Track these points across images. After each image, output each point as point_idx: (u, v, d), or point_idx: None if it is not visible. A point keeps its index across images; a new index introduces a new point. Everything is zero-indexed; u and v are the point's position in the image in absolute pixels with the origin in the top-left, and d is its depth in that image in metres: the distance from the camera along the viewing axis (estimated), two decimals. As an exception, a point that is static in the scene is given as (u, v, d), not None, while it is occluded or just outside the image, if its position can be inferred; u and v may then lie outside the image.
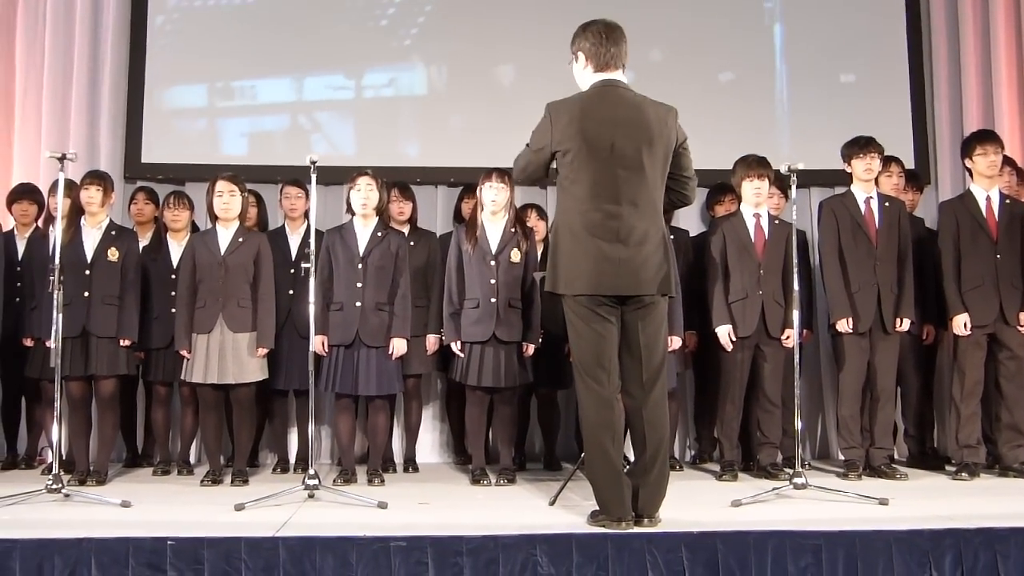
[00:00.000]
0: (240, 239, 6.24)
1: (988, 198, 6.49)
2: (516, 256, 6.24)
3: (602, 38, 4.71)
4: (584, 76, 4.79)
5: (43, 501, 5.22)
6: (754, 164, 6.43)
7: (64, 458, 6.18)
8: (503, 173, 6.20)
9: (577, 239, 4.59)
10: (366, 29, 8.03)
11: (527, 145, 4.83)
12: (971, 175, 6.61)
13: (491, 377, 6.12)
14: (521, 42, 7.94)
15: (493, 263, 6.20)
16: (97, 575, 4.09)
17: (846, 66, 8.14)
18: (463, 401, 6.43)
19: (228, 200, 6.22)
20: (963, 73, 8.06)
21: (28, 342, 6.50)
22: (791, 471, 5.49)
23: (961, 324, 6.39)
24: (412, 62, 7.98)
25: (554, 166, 4.76)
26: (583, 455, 4.90)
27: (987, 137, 6.61)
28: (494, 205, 6.23)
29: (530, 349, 6.25)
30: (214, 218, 6.28)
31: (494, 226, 6.28)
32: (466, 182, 7.17)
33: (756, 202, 6.45)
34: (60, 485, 5.29)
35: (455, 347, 6.21)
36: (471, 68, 7.99)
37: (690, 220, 7.56)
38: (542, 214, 7.22)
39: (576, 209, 4.60)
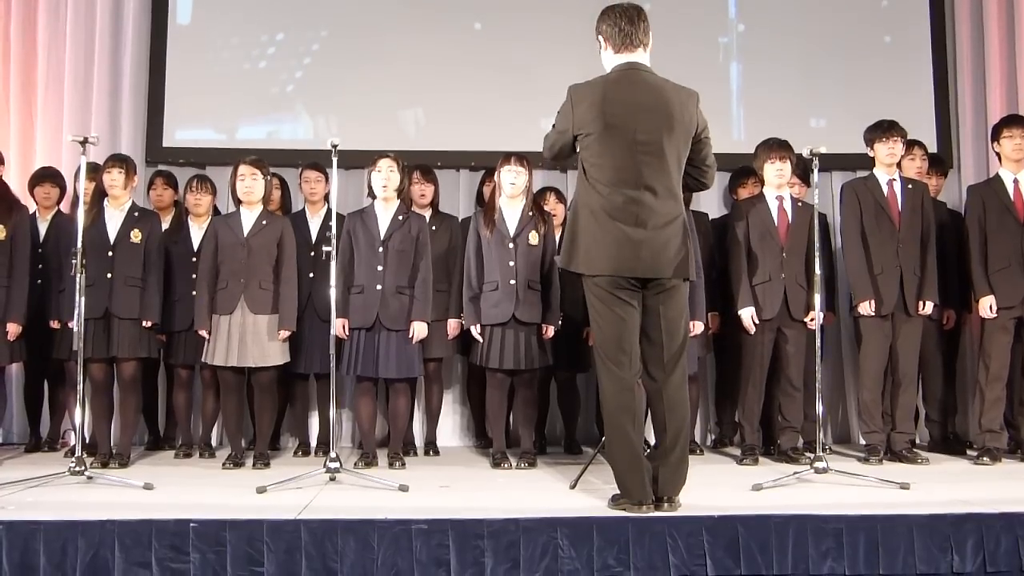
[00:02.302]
0: (264, 221, 6.26)
1: (1016, 181, 6.45)
2: (534, 239, 6.24)
3: (618, 18, 4.70)
4: (607, 59, 4.77)
5: (66, 483, 5.24)
6: (775, 147, 6.41)
7: (87, 441, 6.22)
8: (521, 157, 6.25)
9: (598, 220, 4.58)
10: (390, 14, 8.02)
11: (552, 125, 4.83)
12: (999, 159, 6.57)
13: (511, 360, 6.13)
14: (542, 25, 7.91)
15: (512, 246, 6.20)
16: (120, 557, 4.11)
17: (869, 50, 8.07)
18: (484, 384, 6.45)
19: (250, 184, 6.23)
20: (987, 56, 7.98)
21: (55, 324, 6.53)
22: (812, 455, 5.48)
23: (987, 306, 6.35)
24: (433, 45, 7.94)
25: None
26: (603, 439, 4.90)
27: (1015, 121, 6.58)
28: (512, 188, 6.23)
29: (550, 331, 6.25)
30: (237, 202, 6.30)
31: (512, 209, 6.29)
32: (487, 166, 7.13)
33: (778, 184, 6.42)
34: (83, 467, 5.31)
35: (475, 331, 6.22)
36: (494, 51, 7.96)
37: (710, 203, 7.55)
38: (561, 198, 7.19)
39: (597, 192, 4.59)
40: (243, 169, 6.25)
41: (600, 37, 4.77)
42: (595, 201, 4.60)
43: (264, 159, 6.40)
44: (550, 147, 4.87)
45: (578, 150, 4.72)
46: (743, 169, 7.14)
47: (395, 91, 7.91)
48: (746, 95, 8.10)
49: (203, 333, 6.21)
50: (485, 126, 7.78)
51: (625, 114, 4.57)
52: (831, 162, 7.23)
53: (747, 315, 6.35)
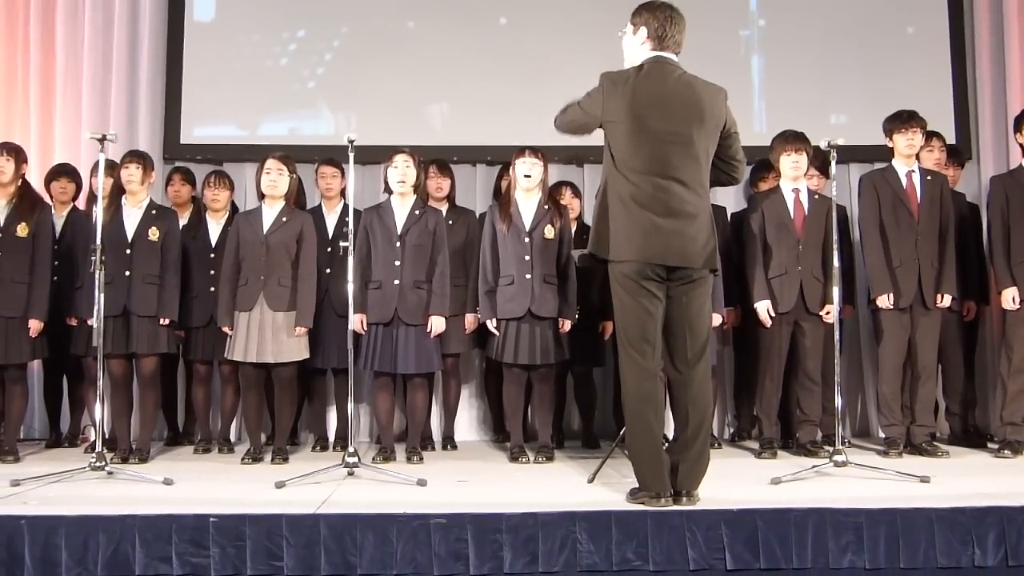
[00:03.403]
0: (284, 218, 6.27)
1: (1040, 172, 6.43)
2: (550, 232, 6.23)
3: (670, 22, 4.69)
4: (638, 50, 4.75)
5: (87, 479, 5.27)
6: (792, 139, 6.39)
7: (106, 436, 6.25)
8: (536, 150, 6.26)
9: (627, 207, 4.58)
10: (411, 9, 8.04)
11: (578, 103, 4.80)
12: (1022, 150, 6.53)
13: (527, 354, 6.12)
14: (564, 19, 7.91)
15: (527, 240, 6.20)
16: (141, 551, 4.13)
17: (890, 40, 8.03)
18: (501, 379, 6.42)
19: (276, 179, 6.26)
20: (1007, 47, 7.92)
21: (73, 321, 6.58)
22: (831, 449, 5.46)
23: (1009, 298, 6.31)
24: (454, 40, 7.95)
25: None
26: (622, 432, 4.89)
27: None
28: (528, 182, 6.23)
29: (566, 325, 6.23)
30: (261, 196, 6.32)
31: (527, 203, 6.28)
32: (504, 160, 7.09)
33: (794, 176, 6.40)
34: (103, 463, 5.34)
35: (491, 325, 6.22)
36: (515, 46, 7.94)
37: (728, 197, 7.52)
38: (576, 192, 7.18)
39: (626, 179, 4.59)
40: (270, 163, 6.27)
41: (643, 28, 4.72)
42: (624, 188, 4.60)
43: (291, 156, 6.43)
44: (569, 121, 4.85)
45: (605, 138, 4.71)
46: (762, 163, 7.11)
47: (415, 86, 7.91)
48: (767, 88, 8.09)
49: (225, 329, 6.23)
50: (501, 120, 7.77)
51: (656, 105, 4.58)
52: (849, 154, 7.21)
53: (763, 308, 6.33)
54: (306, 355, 6.30)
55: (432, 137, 7.80)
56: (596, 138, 4.81)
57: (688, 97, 4.61)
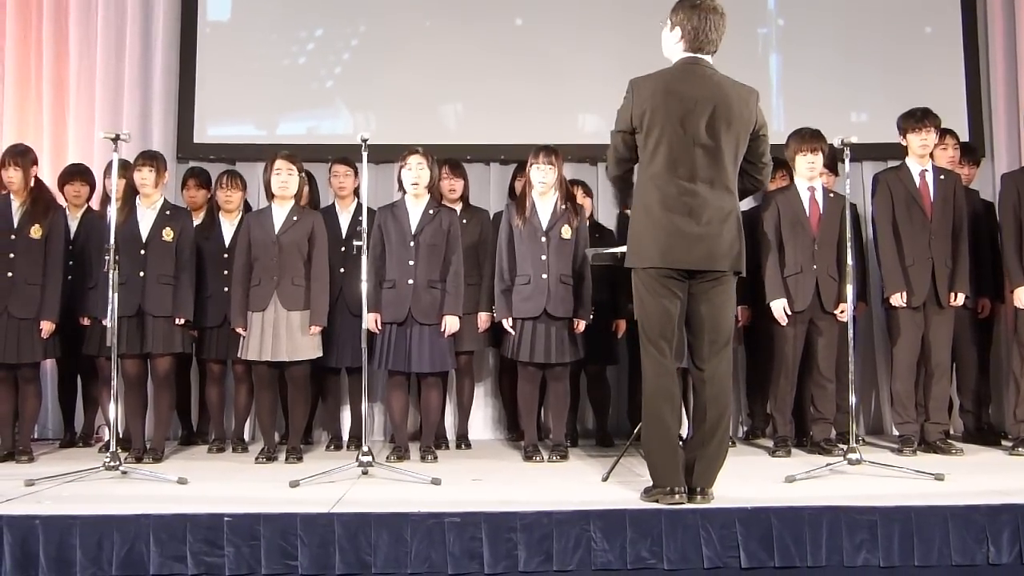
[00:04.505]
0: (295, 218, 6.27)
1: (1053, 169, 6.41)
2: (567, 232, 6.22)
3: (707, 23, 4.64)
4: (672, 49, 4.73)
5: (101, 478, 5.29)
6: (808, 138, 6.37)
7: (120, 436, 6.26)
8: (551, 151, 6.24)
9: (650, 214, 4.58)
10: (429, 9, 8.06)
11: (612, 130, 4.78)
12: None
13: (543, 353, 6.12)
14: (580, 20, 7.90)
15: (544, 239, 6.19)
16: (155, 551, 4.14)
17: (906, 39, 8.02)
18: (515, 378, 6.43)
19: (286, 179, 6.25)
20: (1019, 44, 7.90)
21: (85, 321, 6.60)
22: (845, 447, 5.44)
23: (1022, 296, 6.29)
24: (471, 40, 7.96)
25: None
26: (636, 430, 4.89)
27: None
28: (542, 186, 6.23)
29: (581, 325, 6.22)
30: (270, 196, 6.32)
31: (544, 203, 6.28)
32: (518, 159, 7.14)
33: (810, 176, 6.39)
34: (118, 462, 5.35)
35: (506, 324, 6.22)
36: (531, 46, 7.94)
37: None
38: (588, 191, 7.18)
39: (652, 184, 4.58)
40: (279, 164, 6.26)
41: (679, 28, 4.69)
42: (650, 196, 4.59)
43: (297, 154, 6.42)
44: (614, 162, 4.83)
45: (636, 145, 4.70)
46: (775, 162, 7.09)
47: (430, 85, 7.92)
48: (786, 86, 8.08)
49: (239, 330, 6.23)
50: (516, 119, 7.78)
51: (684, 106, 4.56)
52: (862, 152, 7.19)
53: (779, 307, 6.31)
54: (319, 354, 6.31)
55: (447, 136, 7.81)
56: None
57: (717, 97, 4.58)
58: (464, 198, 7.04)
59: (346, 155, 6.89)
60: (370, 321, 5.91)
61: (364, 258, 5.58)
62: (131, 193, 6.29)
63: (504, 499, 4.68)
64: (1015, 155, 7.72)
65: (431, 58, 7.91)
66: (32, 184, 6.39)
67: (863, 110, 8.04)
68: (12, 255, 6.22)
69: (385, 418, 7.38)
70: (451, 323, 6.20)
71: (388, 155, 6.94)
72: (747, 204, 7.15)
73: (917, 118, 6.41)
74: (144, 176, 6.25)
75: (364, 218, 5.63)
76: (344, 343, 6.62)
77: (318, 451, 6.83)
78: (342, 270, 6.72)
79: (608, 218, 7.53)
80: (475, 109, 7.98)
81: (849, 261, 5.60)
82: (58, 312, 6.30)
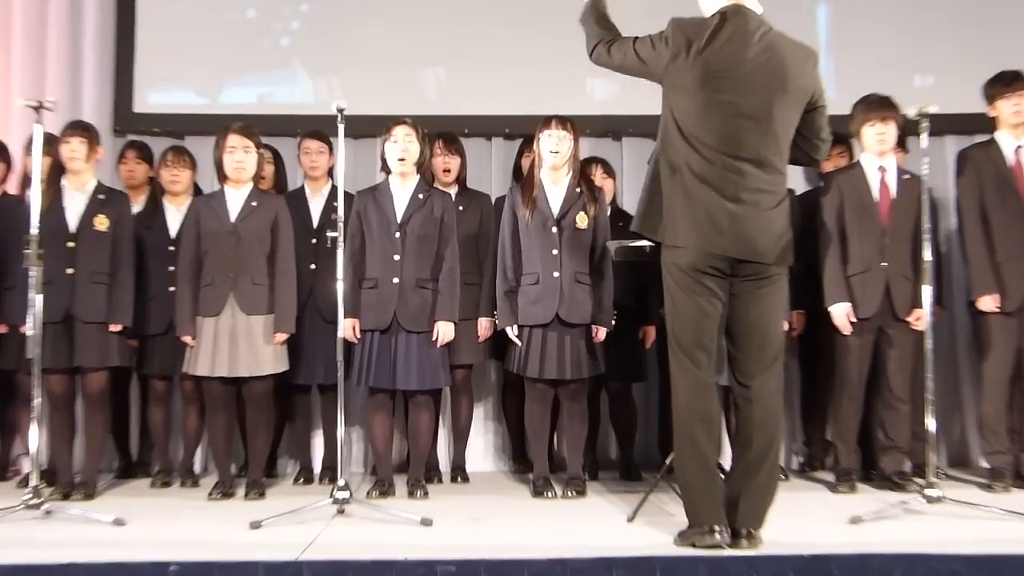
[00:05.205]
0: (254, 203, 6.26)
1: None
2: (583, 221, 6.23)
3: None
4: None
5: (21, 519, 5.27)
6: (876, 105, 6.36)
7: (44, 468, 6.25)
8: (565, 120, 6.23)
9: (686, 183, 4.61)
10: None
11: (634, 47, 4.78)
12: None
13: (555, 367, 6.11)
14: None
15: (555, 230, 6.20)
16: (87, 606, 4.15)
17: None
18: (522, 397, 6.45)
19: (242, 157, 6.24)
20: None
21: (2, 329, 6.54)
22: (922, 481, 5.46)
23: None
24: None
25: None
26: (668, 460, 4.89)
27: None
28: (555, 158, 6.22)
29: (601, 333, 6.23)
30: (223, 178, 6.31)
31: (555, 185, 6.28)
32: (525, 133, 7.13)
33: (880, 151, 6.37)
34: (40, 500, 5.35)
35: (511, 332, 6.21)
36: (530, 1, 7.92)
37: (794, 175, 7.47)
38: (609, 170, 7.17)
39: (689, 153, 4.62)
40: (233, 140, 6.24)
41: None
42: (689, 159, 4.62)
43: (255, 128, 6.41)
44: (616, 65, 4.86)
45: (665, 97, 4.71)
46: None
47: (414, 43, 7.86)
48: (836, 44, 8.00)
49: (187, 339, 6.21)
50: (522, 85, 7.75)
51: (732, 72, 4.59)
52: (943, 124, 7.14)
53: (841, 312, 6.29)
54: (285, 367, 6.31)
55: (437, 105, 7.79)
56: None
57: (770, 63, 4.60)
58: (461, 179, 7.03)
59: (319, 128, 6.89)
60: (347, 328, 5.93)
61: (340, 252, 5.59)
62: (57, 173, 6.27)
63: (509, 543, 4.70)
64: None
65: (413, 10, 7.85)
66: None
67: (929, 72, 7.99)
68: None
69: (365, 445, 7.38)
70: (445, 331, 6.18)
71: (368, 128, 6.93)
72: (801, 187, 7.18)
73: (1006, 82, 6.39)
74: (73, 149, 6.23)
75: (340, 203, 5.63)
76: (316, 355, 6.64)
77: (284, 485, 6.84)
78: (313, 266, 6.73)
79: (633, 203, 7.49)
80: (472, 73, 7.91)
81: (927, 256, 5.59)
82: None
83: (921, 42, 7.95)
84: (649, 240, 4.77)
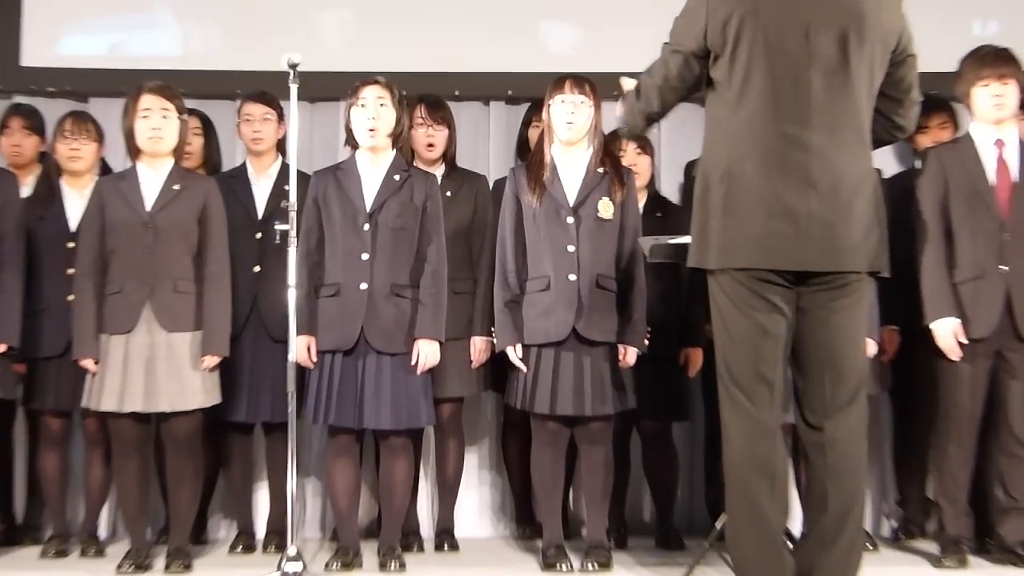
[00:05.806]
0: (176, 185, 6.18)
1: None
2: (607, 210, 6.19)
3: None
4: None
5: None
6: (990, 59, 6.26)
7: None
8: (583, 80, 6.22)
9: (738, 182, 4.53)
10: None
11: (664, 43, 4.77)
12: None
13: (571, 401, 6.04)
14: None
15: (571, 220, 6.17)
16: None
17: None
18: (527, 439, 6.44)
19: (159, 124, 6.14)
20: None
21: None
22: (1055, 554, 5.39)
23: None
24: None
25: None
26: (718, 524, 4.81)
27: None
28: (570, 130, 6.18)
29: (631, 355, 6.17)
30: (135, 152, 6.21)
31: (571, 164, 6.26)
32: (533, 97, 7.10)
33: (997, 118, 6.25)
34: None
35: (513, 355, 6.13)
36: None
37: (881, 154, 7.38)
38: (646, 147, 7.11)
39: (741, 136, 4.55)
40: (147, 100, 6.15)
41: None
42: (737, 152, 4.56)
43: (179, 87, 6.37)
44: (656, 93, 4.83)
45: (707, 80, 4.70)
46: (926, 102, 6.96)
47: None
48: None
49: (87, 364, 6.10)
50: (527, 34, 7.82)
51: (788, 10, 4.52)
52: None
53: (947, 331, 6.18)
54: (218, 399, 6.24)
55: (419, 59, 7.70)
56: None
57: None
58: (449, 157, 6.97)
59: (265, 89, 6.88)
60: (301, 349, 5.89)
61: (292, 250, 5.58)
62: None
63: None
64: None
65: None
66: None
67: (992, 15, 8.05)
68: None
69: (324, 502, 7.38)
70: (427, 353, 6.10)
71: (329, 88, 6.99)
72: (891, 168, 7.11)
73: (987, 61, 6.32)
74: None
75: (292, 187, 5.68)
76: (259, 384, 6.62)
77: (218, 554, 6.82)
78: (257, 269, 6.71)
79: (674, 188, 7.44)
80: (461, 16, 7.95)
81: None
82: None
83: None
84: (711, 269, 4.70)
